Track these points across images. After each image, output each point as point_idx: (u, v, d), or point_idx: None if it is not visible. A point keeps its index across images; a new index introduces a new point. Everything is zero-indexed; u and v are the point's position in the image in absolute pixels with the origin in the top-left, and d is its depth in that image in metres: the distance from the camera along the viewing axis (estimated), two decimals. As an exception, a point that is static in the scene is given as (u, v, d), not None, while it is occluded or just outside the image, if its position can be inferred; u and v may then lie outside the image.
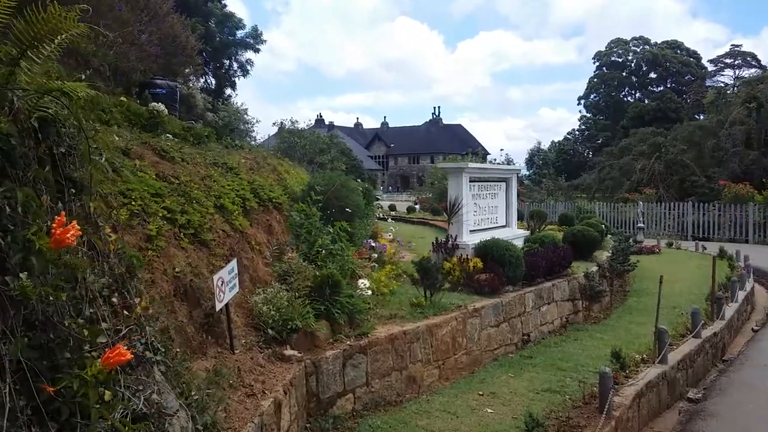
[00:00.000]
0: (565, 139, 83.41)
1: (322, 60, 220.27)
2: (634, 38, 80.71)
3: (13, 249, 2.62)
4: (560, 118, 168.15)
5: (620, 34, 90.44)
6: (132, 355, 2.84)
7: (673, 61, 75.46)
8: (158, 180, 6.55)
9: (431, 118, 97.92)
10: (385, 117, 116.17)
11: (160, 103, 9.96)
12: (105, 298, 3.47)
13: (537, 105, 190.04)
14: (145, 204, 5.59)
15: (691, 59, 76.06)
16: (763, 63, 66.92)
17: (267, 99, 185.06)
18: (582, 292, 13.11)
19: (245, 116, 41.24)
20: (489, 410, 7.41)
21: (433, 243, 11.98)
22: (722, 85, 65.26)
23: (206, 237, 6.59)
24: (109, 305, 3.49)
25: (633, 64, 79.75)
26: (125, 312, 3.49)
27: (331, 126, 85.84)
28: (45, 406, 2.57)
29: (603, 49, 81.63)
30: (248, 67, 35.28)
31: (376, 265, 10.89)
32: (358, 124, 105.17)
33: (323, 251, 8.81)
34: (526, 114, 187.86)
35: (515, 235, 13.88)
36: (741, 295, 14.56)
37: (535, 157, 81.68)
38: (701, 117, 58.67)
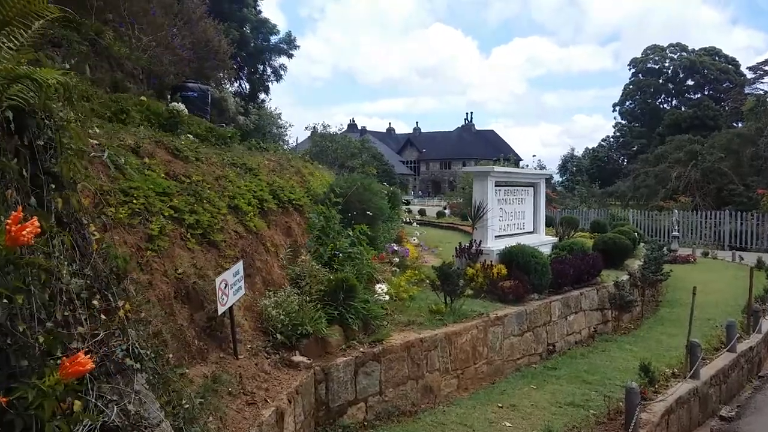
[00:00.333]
0: (600, 145, 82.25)
1: (356, 66, 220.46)
2: (670, 45, 79.36)
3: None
4: (595, 125, 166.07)
5: (658, 41, 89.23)
6: (93, 365, 2.60)
7: (711, 68, 73.98)
8: (168, 179, 6.38)
9: (463, 123, 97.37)
10: (417, 122, 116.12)
11: (179, 104, 9.85)
12: (84, 300, 3.26)
13: (572, 111, 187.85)
14: (149, 203, 5.40)
15: (730, 66, 74.47)
16: (805, 70, 65.18)
17: (303, 104, 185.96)
18: (611, 301, 12.67)
19: (279, 120, 41.34)
20: (507, 424, 7.09)
21: (456, 248, 11.68)
22: (762, 92, 63.60)
23: (216, 238, 6.39)
24: (88, 308, 3.27)
25: (670, 71, 78.37)
26: (102, 316, 3.26)
27: (363, 131, 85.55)
28: (-4, 418, 2.35)
29: (639, 55, 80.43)
30: (281, 72, 35.36)
31: (398, 269, 10.63)
32: (390, 129, 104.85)
33: (340, 254, 8.58)
34: (561, 120, 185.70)
35: (542, 241, 13.50)
36: (779, 308, 14.00)
37: (568, 163, 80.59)
38: (740, 125, 57.36)
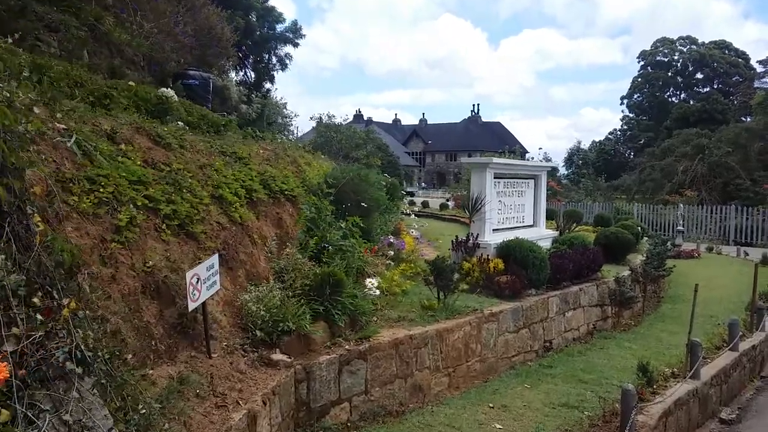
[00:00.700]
0: (606, 139, 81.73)
1: (365, 57, 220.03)
2: (680, 38, 78.64)
3: None
4: (602, 119, 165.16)
5: (669, 34, 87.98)
6: (8, 374, 2.34)
7: (720, 62, 73.33)
8: (146, 167, 6.11)
9: (470, 115, 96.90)
10: (423, 114, 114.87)
11: (169, 89, 9.59)
12: (21, 298, 3.00)
13: (581, 104, 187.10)
14: (119, 191, 5.11)
15: (740, 60, 73.80)
16: (815, 64, 64.51)
17: (310, 94, 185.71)
18: (612, 297, 12.37)
19: (284, 110, 41.11)
20: (498, 426, 6.81)
21: (452, 241, 11.40)
22: (771, 87, 63.17)
23: (195, 229, 6.12)
24: (27, 306, 3.01)
25: (679, 64, 77.74)
26: (39, 316, 2.99)
27: (369, 121, 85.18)
28: None
29: (648, 48, 79.76)
30: (287, 62, 35.06)
31: (392, 263, 10.36)
32: (396, 121, 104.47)
33: (330, 247, 8.31)
34: (568, 113, 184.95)
35: (542, 235, 13.19)
36: (784, 305, 13.66)
37: (574, 156, 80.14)
38: (748, 119, 56.86)
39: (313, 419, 6.21)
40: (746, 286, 14.04)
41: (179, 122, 8.76)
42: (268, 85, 36.08)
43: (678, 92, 79.34)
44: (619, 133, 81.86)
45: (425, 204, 30.82)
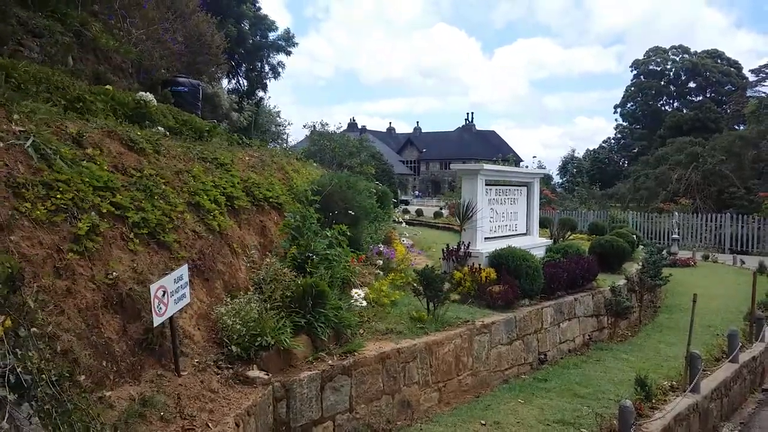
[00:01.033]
0: (600, 147, 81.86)
1: (359, 66, 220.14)
2: (673, 47, 78.90)
3: None
4: (597, 127, 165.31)
5: (662, 43, 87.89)
6: None
7: (713, 71, 73.55)
8: (115, 172, 5.77)
9: (464, 124, 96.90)
10: (417, 122, 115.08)
11: (148, 93, 9.25)
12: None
13: (574, 113, 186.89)
14: (80, 198, 4.76)
15: (732, 69, 74.02)
16: (807, 72, 64.56)
17: (304, 103, 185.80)
18: (607, 307, 12.04)
19: (277, 118, 40.90)
20: (489, 444, 6.48)
21: (443, 250, 11.06)
22: (764, 95, 63.00)
23: (167, 238, 5.78)
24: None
25: (672, 73, 77.98)
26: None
27: (363, 130, 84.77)
28: None
29: (641, 57, 79.87)
30: (279, 70, 35.25)
31: (381, 272, 10.01)
32: (390, 129, 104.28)
33: (315, 257, 7.95)
34: (562, 122, 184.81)
35: (536, 244, 12.86)
36: (784, 314, 13.36)
37: (568, 165, 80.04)
38: (741, 127, 56.88)
39: (293, 439, 5.84)
40: (744, 295, 13.78)
41: (159, 127, 8.44)
42: (260, 93, 36.05)
43: (671, 101, 79.56)
44: (613, 141, 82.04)
45: (419, 212, 30.56)
